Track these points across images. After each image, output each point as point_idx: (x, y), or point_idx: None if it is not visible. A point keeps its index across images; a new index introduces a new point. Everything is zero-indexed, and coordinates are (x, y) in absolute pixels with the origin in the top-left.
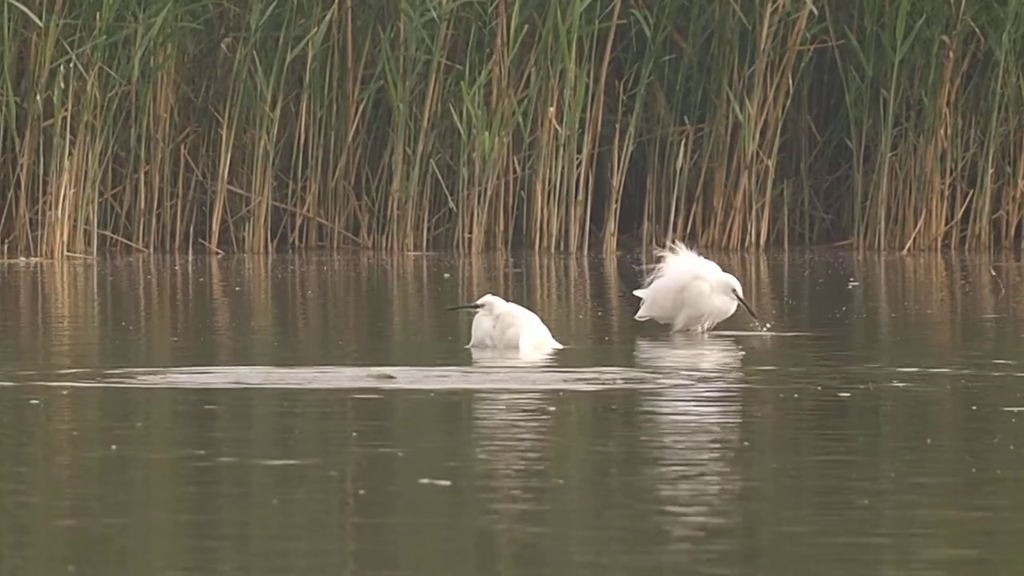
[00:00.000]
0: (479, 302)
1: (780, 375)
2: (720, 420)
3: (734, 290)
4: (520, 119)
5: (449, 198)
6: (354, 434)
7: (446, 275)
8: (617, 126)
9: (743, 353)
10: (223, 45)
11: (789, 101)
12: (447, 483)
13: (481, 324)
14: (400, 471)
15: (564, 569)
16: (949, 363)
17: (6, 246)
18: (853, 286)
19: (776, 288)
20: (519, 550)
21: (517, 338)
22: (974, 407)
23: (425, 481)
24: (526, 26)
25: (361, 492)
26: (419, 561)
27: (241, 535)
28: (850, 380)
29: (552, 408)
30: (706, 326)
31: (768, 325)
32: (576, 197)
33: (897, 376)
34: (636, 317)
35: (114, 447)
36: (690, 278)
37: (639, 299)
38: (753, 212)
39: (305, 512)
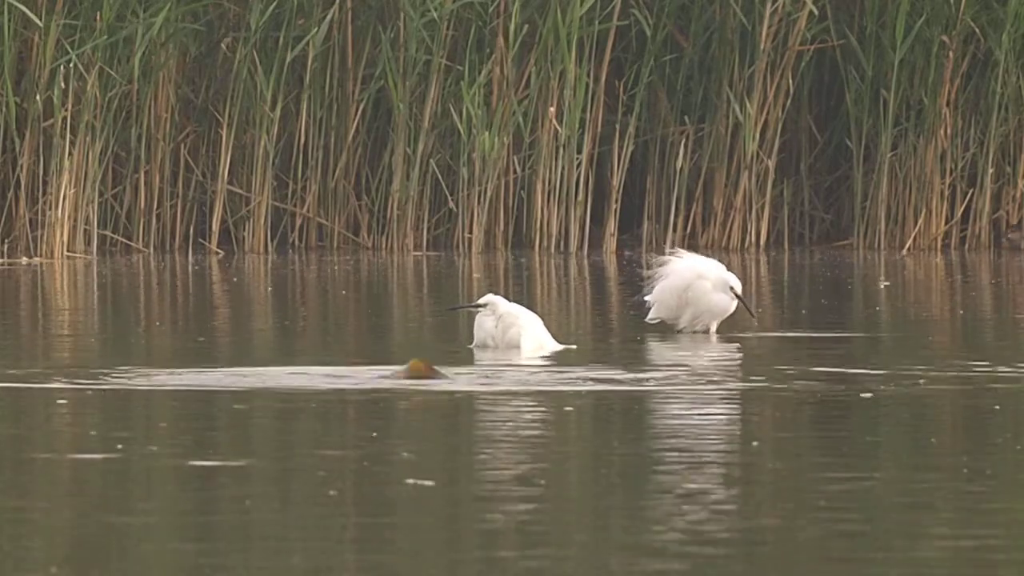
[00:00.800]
0: (480, 302)
1: (807, 375)
2: (733, 422)
3: (731, 288)
4: (520, 119)
5: (449, 198)
6: (374, 434)
7: (476, 275)
8: (617, 126)
9: (773, 354)
10: (223, 45)
11: (789, 101)
12: (431, 483)
13: (483, 324)
14: (395, 472)
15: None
16: (979, 362)
17: (6, 246)
18: (884, 286)
19: (813, 288)
20: (516, 556)
21: (518, 338)
22: (997, 407)
23: (411, 481)
24: (526, 26)
25: (332, 493)
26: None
27: (226, 536)
28: (880, 381)
29: (560, 409)
30: (710, 326)
31: (755, 320)
32: (576, 197)
33: (926, 376)
34: (647, 320)
35: (119, 446)
36: (694, 277)
37: (646, 303)
38: (753, 212)
39: (302, 514)
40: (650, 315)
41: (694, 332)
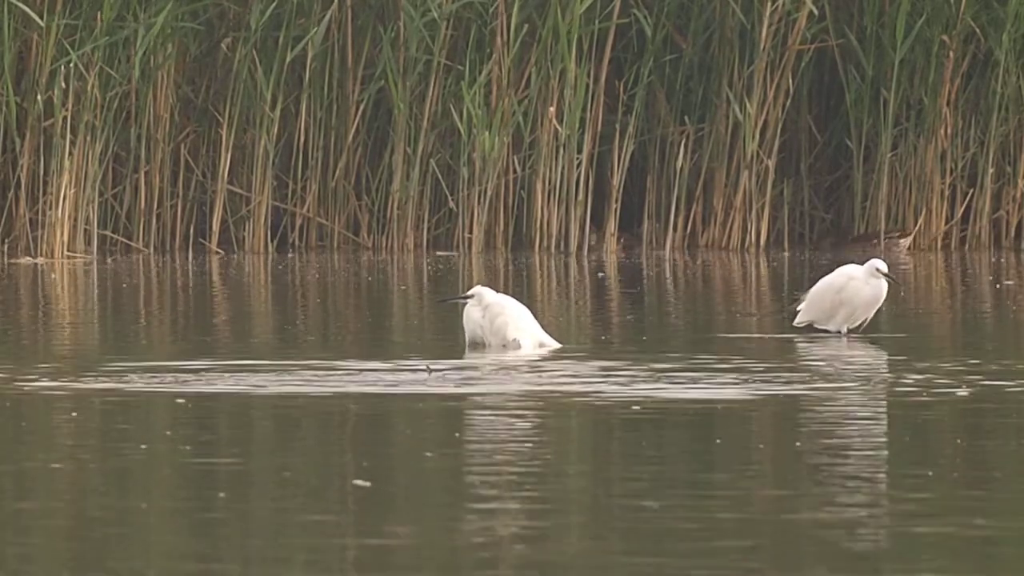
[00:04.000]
0: (468, 293)
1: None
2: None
3: (877, 268)
4: (520, 119)
5: (449, 198)
6: (456, 434)
7: (600, 274)
8: (617, 126)
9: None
10: (223, 45)
11: (789, 101)
12: (368, 484)
13: (472, 315)
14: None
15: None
16: None
17: (6, 246)
18: (1006, 285)
19: (929, 289)
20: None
21: (505, 327)
22: None
23: (359, 482)
24: (526, 26)
25: (219, 497)
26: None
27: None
28: (974, 380)
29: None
30: (866, 320)
31: (902, 291)
32: (576, 197)
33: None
34: (795, 323)
35: (143, 447)
36: (846, 279)
37: (797, 309)
38: (753, 212)
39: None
40: (798, 319)
41: (849, 331)
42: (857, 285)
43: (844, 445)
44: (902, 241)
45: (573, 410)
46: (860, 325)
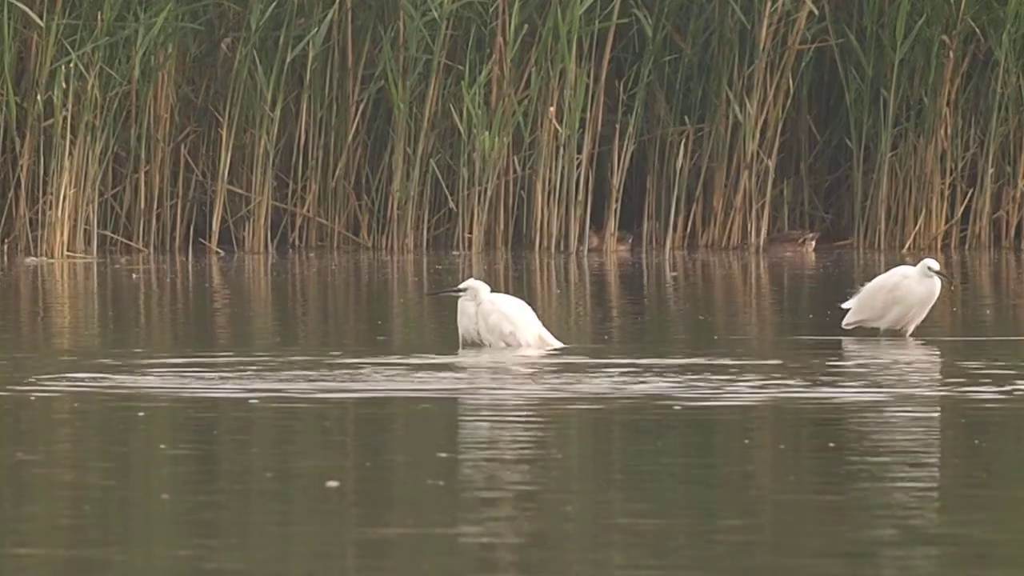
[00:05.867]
0: (461, 286)
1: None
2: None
3: (930, 267)
4: (520, 119)
5: (449, 198)
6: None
7: (673, 274)
8: (617, 126)
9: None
10: (223, 45)
11: (789, 101)
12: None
13: (466, 310)
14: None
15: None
16: None
17: (6, 246)
18: None
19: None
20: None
21: (500, 323)
22: None
23: (331, 483)
24: (526, 26)
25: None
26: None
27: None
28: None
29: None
30: (916, 320)
31: (953, 286)
32: (576, 197)
33: None
34: (843, 325)
35: (162, 446)
36: (900, 278)
37: (844, 310)
38: (753, 212)
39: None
40: (847, 319)
41: (893, 332)
42: (911, 284)
43: (875, 449)
44: (812, 242)
45: (619, 411)
46: (911, 327)
